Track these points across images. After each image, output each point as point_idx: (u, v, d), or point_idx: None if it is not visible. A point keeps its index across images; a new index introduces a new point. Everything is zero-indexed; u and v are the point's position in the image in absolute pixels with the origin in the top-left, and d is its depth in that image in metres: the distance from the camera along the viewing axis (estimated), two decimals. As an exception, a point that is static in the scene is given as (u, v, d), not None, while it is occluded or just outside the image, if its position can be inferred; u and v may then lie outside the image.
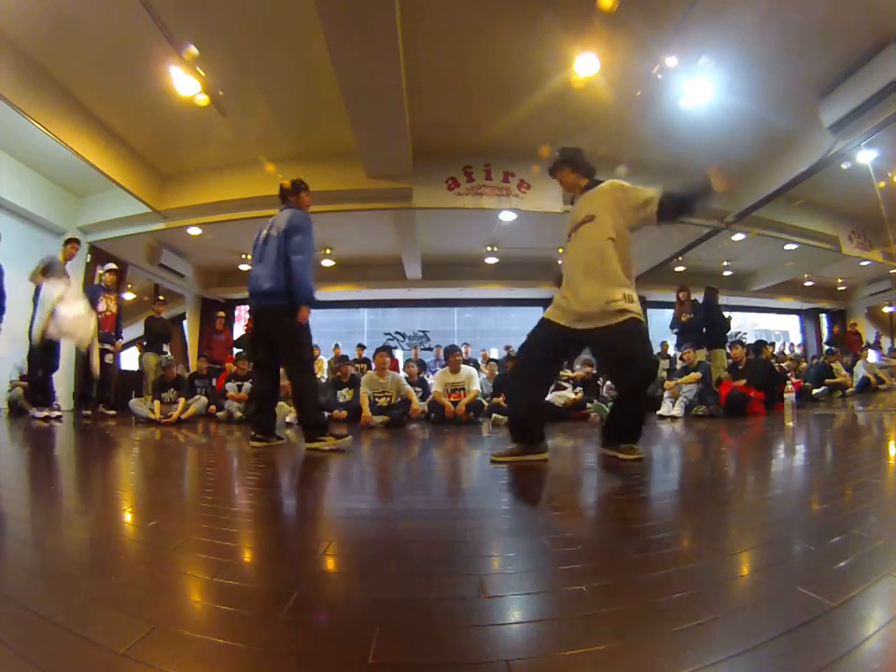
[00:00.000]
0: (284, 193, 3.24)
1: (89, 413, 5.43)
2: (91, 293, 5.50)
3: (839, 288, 11.65)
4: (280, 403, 3.73)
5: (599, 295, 2.20)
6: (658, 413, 5.42)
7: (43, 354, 4.81)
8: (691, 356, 5.54)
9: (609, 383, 5.93)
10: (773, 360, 6.61)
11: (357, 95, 4.40)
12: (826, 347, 9.94)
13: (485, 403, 5.16)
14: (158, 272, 8.38)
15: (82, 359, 5.49)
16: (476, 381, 5.11)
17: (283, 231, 2.98)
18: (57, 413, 4.89)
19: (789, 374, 7.10)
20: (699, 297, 6.55)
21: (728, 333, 6.46)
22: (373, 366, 5.49)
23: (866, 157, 5.84)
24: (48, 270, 4.79)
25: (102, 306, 5.40)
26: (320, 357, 8.81)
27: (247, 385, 5.63)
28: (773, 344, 9.34)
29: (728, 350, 5.94)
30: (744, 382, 5.28)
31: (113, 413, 5.47)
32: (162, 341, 6.69)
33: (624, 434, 2.32)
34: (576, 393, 5.34)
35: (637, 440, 2.31)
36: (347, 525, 1.37)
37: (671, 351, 7.91)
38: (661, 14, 3.89)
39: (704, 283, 6.71)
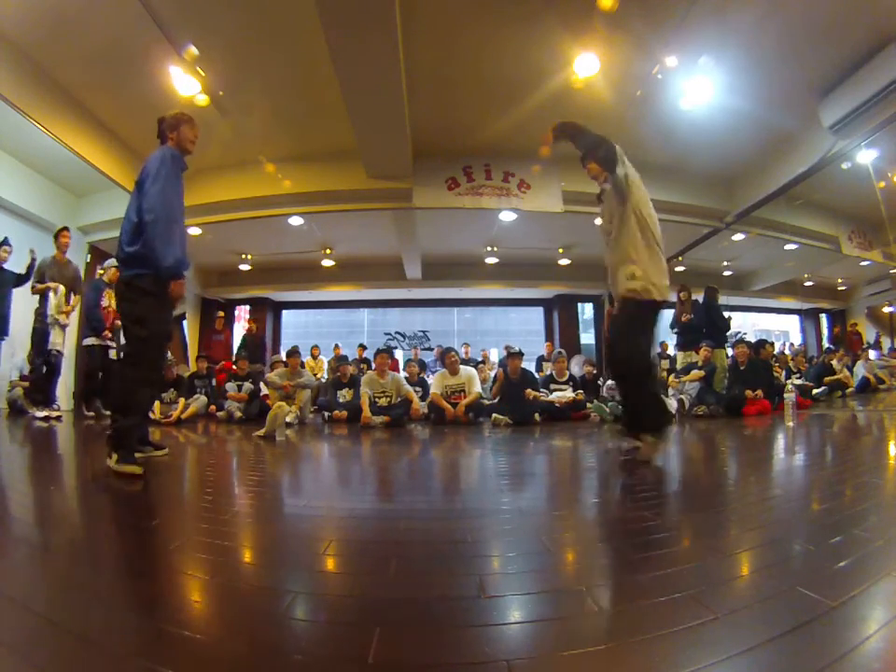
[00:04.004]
0: (161, 131, 2.51)
1: (92, 413, 5.42)
2: (95, 287, 5.50)
3: (839, 288, 11.63)
4: (280, 403, 3.73)
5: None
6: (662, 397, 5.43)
7: (45, 357, 4.86)
8: (708, 354, 5.55)
9: (609, 382, 5.94)
10: (773, 359, 6.58)
11: (357, 95, 4.39)
12: (826, 346, 9.93)
13: (485, 402, 5.15)
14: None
15: (82, 359, 5.50)
16: (476, 382, 5.07)
17: (138, 180, 2.34)
18: (57, 414, 4.89)
19: (794, 373, 7.09)
20: (699, 297, 6.55)
21: (728, 333, 6.46)
22: (374, 366, 5.48)
23: (866, 157, 5.83)
24: (42, 278, 4.85)
25: (105, 302, 5.40)
26: (320, 356, 8.83)
27: (247, 384, 5.64)
28: (772, 344, 9.33)
29: (729, 350, 5.93)
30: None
31: (90, 414, 5.44)
32: (163, 340, 6.66)
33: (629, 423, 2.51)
34: (576, 394, 5.34)
35: (641, 431, 2.38)
36: (347, 525, 1.37)
37: (671, 351, 7.91)
38: (661, 14, 3.89)
39: (704, 283, 6.69)
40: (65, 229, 5.20)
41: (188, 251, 2.48)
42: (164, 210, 2.25)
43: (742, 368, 5.49)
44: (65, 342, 5.13)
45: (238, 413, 5.32)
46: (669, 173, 6.33)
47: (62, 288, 4.96)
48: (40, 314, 4.88)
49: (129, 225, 2.31)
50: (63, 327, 4.99)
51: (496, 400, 5.15)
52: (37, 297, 4.91)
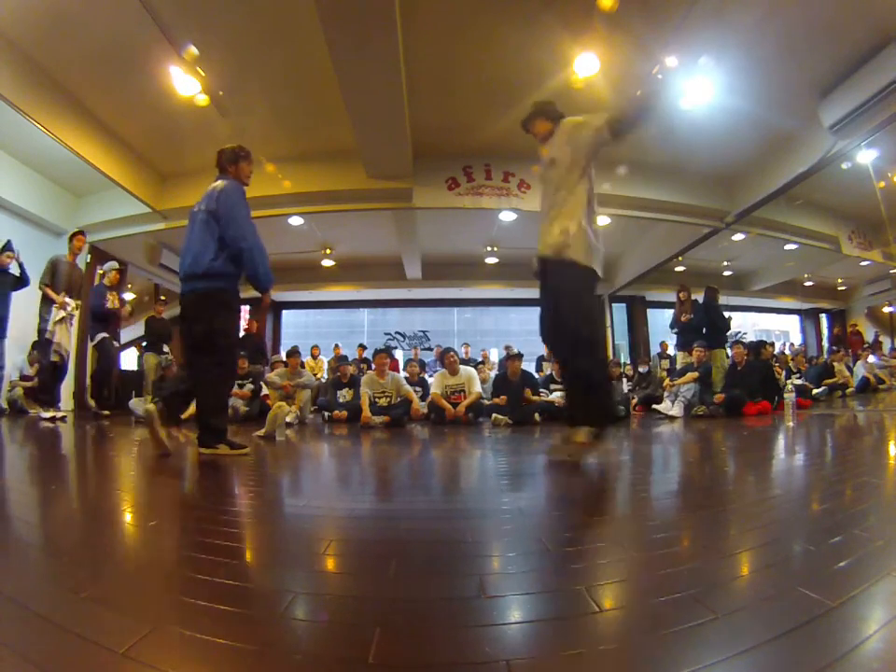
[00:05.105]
0: (221, 162, 2.80)
1: (106, 412, 5.42)
2: (99, 292, 5.52)
3: (839, 288, 11.64)
4: (280, 403, 3.72)
5: (548, 231, 2.31)
6: (655, 406, 5.42)
7: (51, 361, 4.87)
8: (701, 354, 5.54)
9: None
10: (773, 360, 6.57)
11: (357, 95, 4.40)
12: (827, 346, 9.93)
13: (485, 402, 5.15)
14: (158, 272, 8.38)
15: (97, 355, 5.52)
16: (476, 382, 5.06)
17: (213, 210, 2.64)
18: (62, 414, 4.89)
19: (794, 373, 7.08)
20: (699, 297, 6.54)
21: (728, 333, 6.45)
22: (373, 366, 5.47)
23: (866, 157, 5.84)
24: (55, 274, 4.84)
25: (109, 304, 5.44)
26: (320, 356, 8.83)
27: (248, 385, 5.63)
28: (772, 344, 9.34)
29: (729, 350, 5.92)
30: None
31: (106, 413, 5.44)
32: (163, 341, 6.69)
33: (573, 413, 2.29)
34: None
35: (585, 423, 2.14)
36: (347, 525, 1.37)
37: (671, 351, 7.91)
38: (661, 14, 3.89)
39: (704, 283, 6.70)
40: (81, 232, 5.23)
41: None
42: (255, 238, 2.64)
43: (739, 368, 5.46)
44: (70, 341, 5.13)
45: (243, 409, 5.28)
46: (669, 173, 6.33)
47: (70, 305, 4.94)
48: (45, 317, 4.86)
49: (204, 245, 2.62)
50: (70, 319, 4.99)
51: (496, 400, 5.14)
52: (40, 297, 4.90)
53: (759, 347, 6.14)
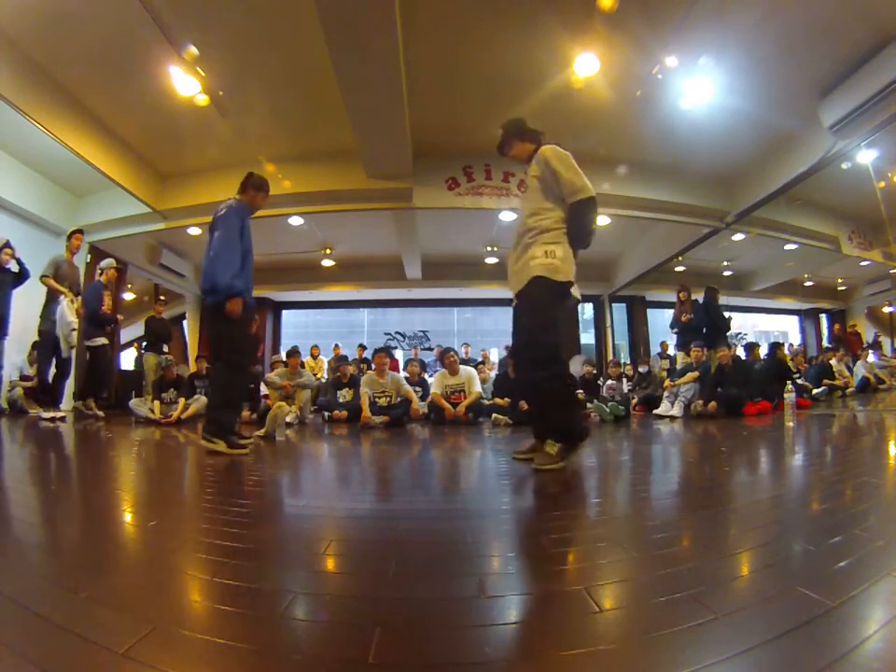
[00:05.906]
0: (244, 182, 3.12)
1: (100, 413, 5.40)
2: (95, 290, 5.51)
3: (839, 288, 11.64)
4: (280, 403, 3.73)
5: (519, 259, 2.20)
6: (655, 412, 5.43)
7: (55, 359, 4.86)
8: (699, 354, 5.53)
9: (609, 382, 5.94)
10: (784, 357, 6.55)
11: (357, 95, 4.39)
12: (826, 345, 9.93)
13: (485, 402, 5.15)
14: (158, 272, 8.38)
15: (91, 358, 5.50)
16: (476, 382, 5.07)
17: (209, 226, 2.92)
18: (62, 414, 4.89)
19: (794, 373, 7.08)
20: (699, 297, 6.54)
21: (728, 334, 6.45)
22: (373, 366, 5.47)
23: (866, 157, 5.83)
24: (58, 272, 4.83)
25: (104, 307, 5.43)
26: (320, 356, 8.83)
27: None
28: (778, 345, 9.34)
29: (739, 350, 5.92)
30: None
31: (101, 414, 5.42)
32: (162, 341, 6.69)
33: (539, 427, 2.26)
34: (576, 394, 5.32)
35: (553, 436, 2.10)
36: (347, 525, 1.37)
37: (671, 351, 7.91)
38: (661, 14, 3.89)
39: (704, 283, 6.70)
40: (80, 231, 5.21)
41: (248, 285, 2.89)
42: (222, 249, 2.77)
43: (727, 370, 5.42)
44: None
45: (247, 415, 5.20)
46: (669, 173, 6.33)
47: (72, 299, 4.93)
48: (48, 317, 4.83)
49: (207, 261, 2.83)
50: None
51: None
52: (41, 299, 4.89)
53: (754, 348, 6.14)
